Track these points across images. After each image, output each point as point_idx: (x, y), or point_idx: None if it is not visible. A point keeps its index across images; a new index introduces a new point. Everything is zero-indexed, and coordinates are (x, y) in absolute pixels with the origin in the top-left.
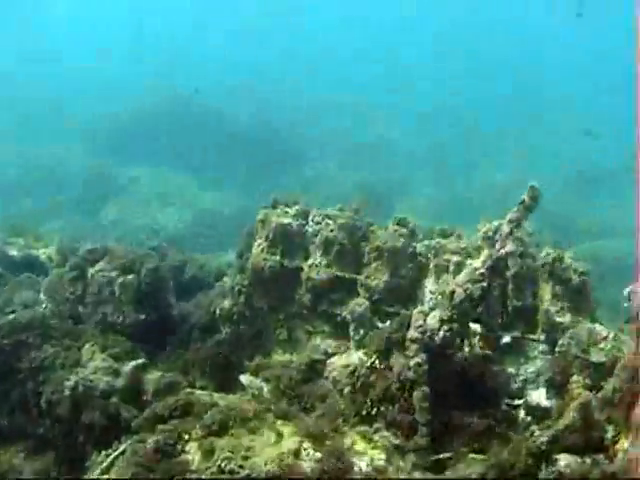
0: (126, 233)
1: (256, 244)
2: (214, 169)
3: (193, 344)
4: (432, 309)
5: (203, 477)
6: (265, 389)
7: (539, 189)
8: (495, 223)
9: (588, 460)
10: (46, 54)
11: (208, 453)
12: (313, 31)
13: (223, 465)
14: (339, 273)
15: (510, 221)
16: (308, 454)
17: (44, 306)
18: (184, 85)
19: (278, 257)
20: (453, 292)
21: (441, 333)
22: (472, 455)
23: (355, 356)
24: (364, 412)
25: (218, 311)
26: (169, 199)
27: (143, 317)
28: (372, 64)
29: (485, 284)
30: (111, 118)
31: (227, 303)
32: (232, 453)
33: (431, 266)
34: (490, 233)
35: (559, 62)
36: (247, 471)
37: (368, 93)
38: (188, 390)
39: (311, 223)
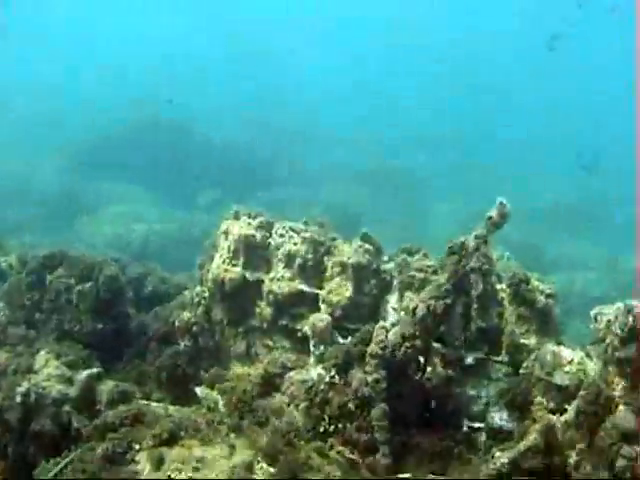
0: (95, 249)
1: (217, 255)
2: (185, 187)
3: (150, 355)
4: (394, 325)
5: None
6: (220, 402)
7: (508, 207)
8: (461, 238)
9: None
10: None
11: (158, 463)
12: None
13: (173, 475)
14: (301, 287)
15: (476, 237)
16: (261, 468)
17: (0, 313)
18: (163, 105)
19: (239, 269)
20: (416, 308)
21: (402, 349)
22: (431, 476)
23: (314, 372)
24: (321, 429)
25: (177, 323)
26: (139, 216)
27: (100, 326)
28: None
29: (449, 301)
30: (85, 134)
31: (186, 315)
32: (182, 464)
33: (395, 283)
34: (455, 248)
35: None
36: None
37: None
38: (142, 401)
39: (275, 236)
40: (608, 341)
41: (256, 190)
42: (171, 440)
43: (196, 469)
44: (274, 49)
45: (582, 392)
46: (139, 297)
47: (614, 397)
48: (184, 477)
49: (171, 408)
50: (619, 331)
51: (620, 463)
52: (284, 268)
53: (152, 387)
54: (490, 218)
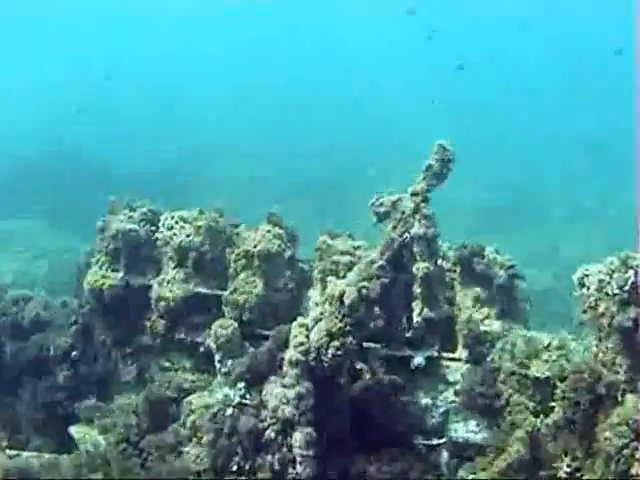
0: None
1: (94, 260)
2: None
3: (22, 391)
4: (317, 321)
5: None
6: (102, 442)
7: (451, 150)
8: (393, 197)
9: None
10: None
11: None
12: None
13: None
14: (198, 289)
15: (414, 194)
16: None
17: None
18: (69, 139)
19: (121, 274)
20: (343, 294)
21: (330, 352)
22: None
23: (220, 393)
24: (233, 467)
25: (52, 350)
26: (42, 251)
27: None
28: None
29: (386, 280)
30: None
31: (62, 340)
32: None
33: (315, 272)
34: (386, 208)
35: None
36: None
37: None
38: (12, 452)
39: (162, 229)
40: (603, 308)
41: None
42: None
43: None
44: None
45: (571, 379)
46: (18, 325)
47: (616, 382)
48: None
49: (48, 458)
50: (617, 291)
51: (637, 471)
52: (176, 267)
53: (29, 431)
54: (430, 167)
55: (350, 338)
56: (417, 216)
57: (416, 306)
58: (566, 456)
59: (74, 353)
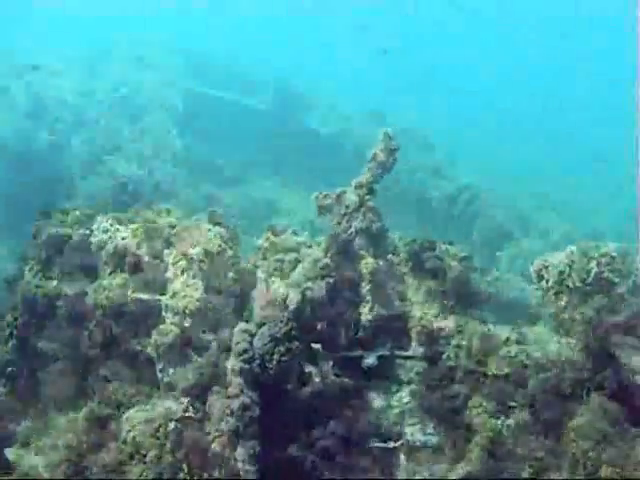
0: None
1: (27, 268)
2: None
3: None
4: (260, 325)
5: None
6: (40, 463)
7: (395, 137)
8: (336, 190)
9: None
10: None
11: None
12: None
13: None
14: (136, 295)
15: (359, 186)
16: None
17: None
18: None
19: (55, 282)
20: (286, 298)
21: (275, 357)
22: None
23: (161, 407)
24: None
25: None
26: None
27: None
28: None
29: (330, 280)
30: None
31: None
32: None
33: (259, 272)
34: (329, 201)
35: None
36: None
37: None
38: None
39: (97, 232)
40: (564, 301)
41: None
42: None
43: None
44: None
45: (533, 378)
46: None
47: (582, 379)
48: None
49: None
50: (579, 284)
51: (605, 473)
52: (113, 272)
53: None
54: (375, 157)
55: (296, 342)
56: (362, 209)
57: (365, 304)
58: (530, 459)
59: (9, 369)
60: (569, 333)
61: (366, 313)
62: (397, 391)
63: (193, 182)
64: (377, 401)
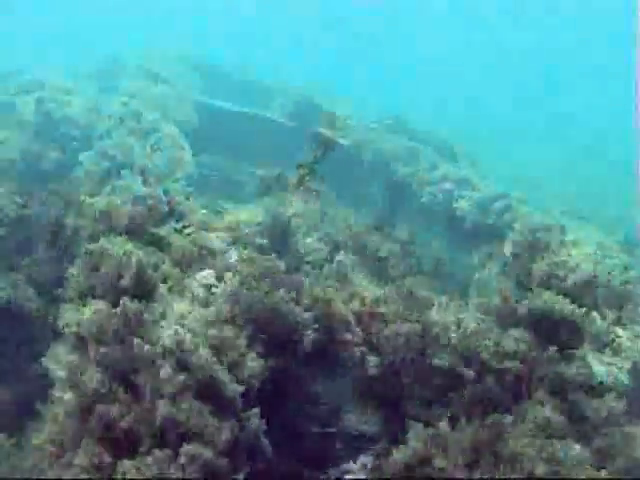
0: None
1: None
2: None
3: None
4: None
5: None
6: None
7: (329, 133)
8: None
9: None
10: None
11: None
12: None
13: None
14: None
15: (300, 166)
16: None
17: None
18: None
19: None
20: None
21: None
22: None
23: None
24: None
25: None
26: None
27: None
28: None
29: (269, 263)
30: None
31: None
32: None
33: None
34: (270, 182)
35: None
36: None
37: None
38: None
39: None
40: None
41: None
42: None
43: None
44: None
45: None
46: None
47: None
48: None
49: None
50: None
51: (542, 470)
52: None
53: None
54: (317, 136)
55: (230, 325)
56: (301, 190)
57: (307, 287)
58: (468, 453)
59: None
60: None
61: (306, 297)
62: (337, 377)
63: (210, 199)
64: (314, 386)
